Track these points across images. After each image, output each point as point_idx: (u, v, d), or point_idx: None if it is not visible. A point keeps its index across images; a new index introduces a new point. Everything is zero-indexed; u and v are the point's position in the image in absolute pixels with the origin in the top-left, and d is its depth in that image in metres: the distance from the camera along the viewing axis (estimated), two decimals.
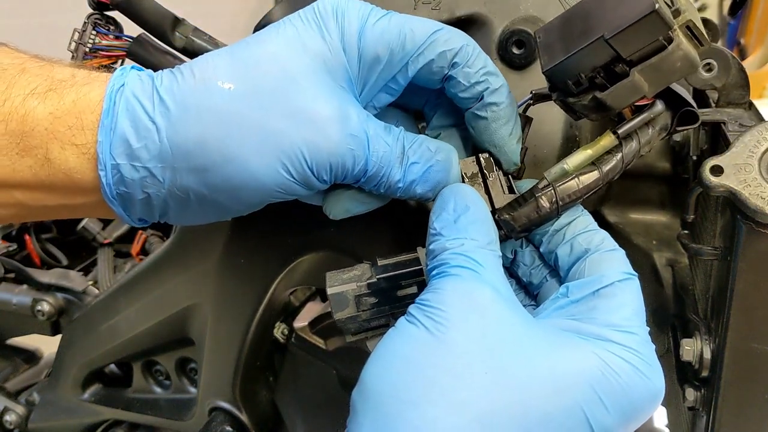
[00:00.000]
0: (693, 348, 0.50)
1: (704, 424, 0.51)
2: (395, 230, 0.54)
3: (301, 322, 0.71)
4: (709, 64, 0.51)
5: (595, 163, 0.41)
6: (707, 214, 0.52)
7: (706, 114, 0.51)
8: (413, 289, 0.44)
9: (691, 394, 0.52)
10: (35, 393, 1.01)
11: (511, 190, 0.45)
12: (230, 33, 0.64)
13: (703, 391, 0.51)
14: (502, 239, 0.43)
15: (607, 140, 0.41)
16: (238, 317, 0.67)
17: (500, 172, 0.45)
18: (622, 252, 0.42)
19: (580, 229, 0.43)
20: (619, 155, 0.41)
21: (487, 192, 0.44)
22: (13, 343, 1.17)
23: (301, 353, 0.71)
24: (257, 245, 0.62)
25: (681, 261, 0.64)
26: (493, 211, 0.43)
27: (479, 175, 0.44)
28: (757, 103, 0.53)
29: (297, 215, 0.58)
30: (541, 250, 0.45)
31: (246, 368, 0.70)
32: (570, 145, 0.53)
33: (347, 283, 0.44)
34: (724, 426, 0.49)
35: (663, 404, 0.78)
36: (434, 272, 0.39)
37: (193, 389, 0.83)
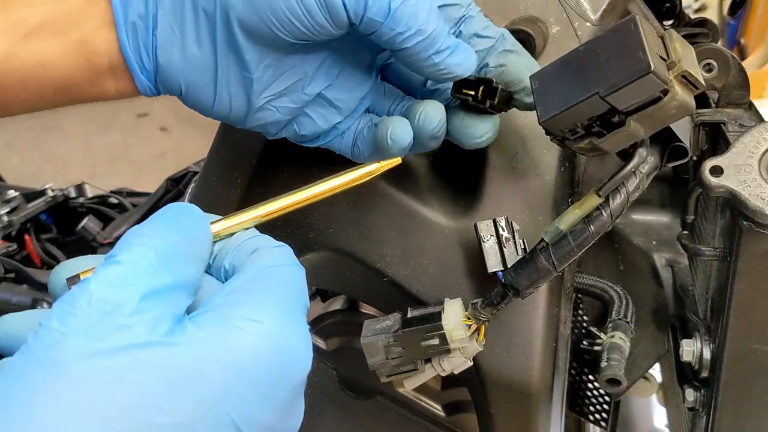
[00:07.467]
0: (693, 348, 0.50)
1: (704, 424, 0.51)
2: (396, 230, 0.54)
3: None
4: (709, 64, 0.51)
5: (585, 221, 0.42)
6: (707, 214, 0.52)
7: (705, 114, 0.51)
8: (435, 341, 0.46)
9: (690, 394, 0.52)
10: None
11: (525, 251, 0.46)
12: None
13: (702, 391, 0.51)
14: (510, 300, 0.45)
15: (593, 200, 0.42)
16: None
17: (516, 234, 0.46)
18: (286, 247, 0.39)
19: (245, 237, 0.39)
20: (608, 211, 0.42)
21: (501, 253, 0.45)
22: None
23: None
24: None
25: (681, 261, 0.64)
26: (505, 272, 0.45)
27: (495, 236, 0.46)
28: (757, 103, 0.53)
29: (297, 215, 0.58)
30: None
31: None
32: None
33: (378, 334, 0.48)
34: (723, 426, 0.49)
35: (663, 404, 0.79)
36: None
37: None
